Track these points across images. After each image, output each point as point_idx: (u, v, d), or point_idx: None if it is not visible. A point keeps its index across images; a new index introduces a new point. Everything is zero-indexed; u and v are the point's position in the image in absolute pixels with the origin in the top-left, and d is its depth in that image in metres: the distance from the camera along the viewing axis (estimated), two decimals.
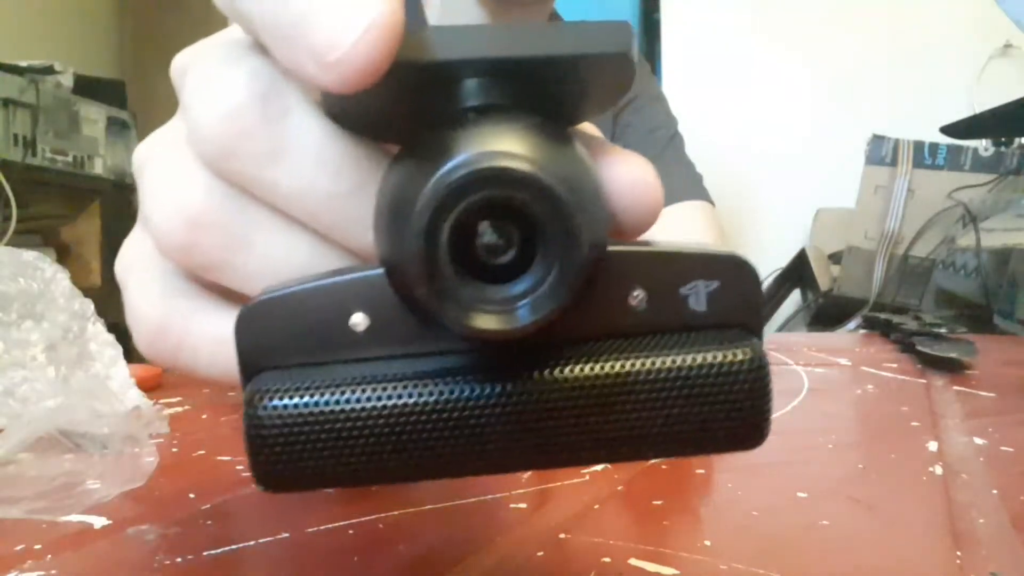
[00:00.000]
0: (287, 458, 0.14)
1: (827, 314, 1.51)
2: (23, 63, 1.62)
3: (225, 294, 0.18)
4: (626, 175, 0.16)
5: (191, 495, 0.30)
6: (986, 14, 1.44)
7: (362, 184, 0.16)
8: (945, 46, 1.75)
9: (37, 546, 0.25)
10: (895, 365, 0.61)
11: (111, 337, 0.42)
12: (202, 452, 0.37)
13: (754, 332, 0.15)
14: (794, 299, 1.67)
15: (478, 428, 0.14)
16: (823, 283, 1.56)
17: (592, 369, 0.14)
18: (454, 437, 0.14)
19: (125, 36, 2.39)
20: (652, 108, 0.90)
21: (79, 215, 1.74)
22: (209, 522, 0.28)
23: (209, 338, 0.17)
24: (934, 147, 1.50)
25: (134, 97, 1.94)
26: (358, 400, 0.14)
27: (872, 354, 0.68)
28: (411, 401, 0.14)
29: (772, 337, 0.97)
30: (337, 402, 0.14)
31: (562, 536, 0.26)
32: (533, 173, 0.13)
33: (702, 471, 0.33)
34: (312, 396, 0.14)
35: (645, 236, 0.17)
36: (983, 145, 1.47)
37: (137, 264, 0.18)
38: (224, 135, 0.15)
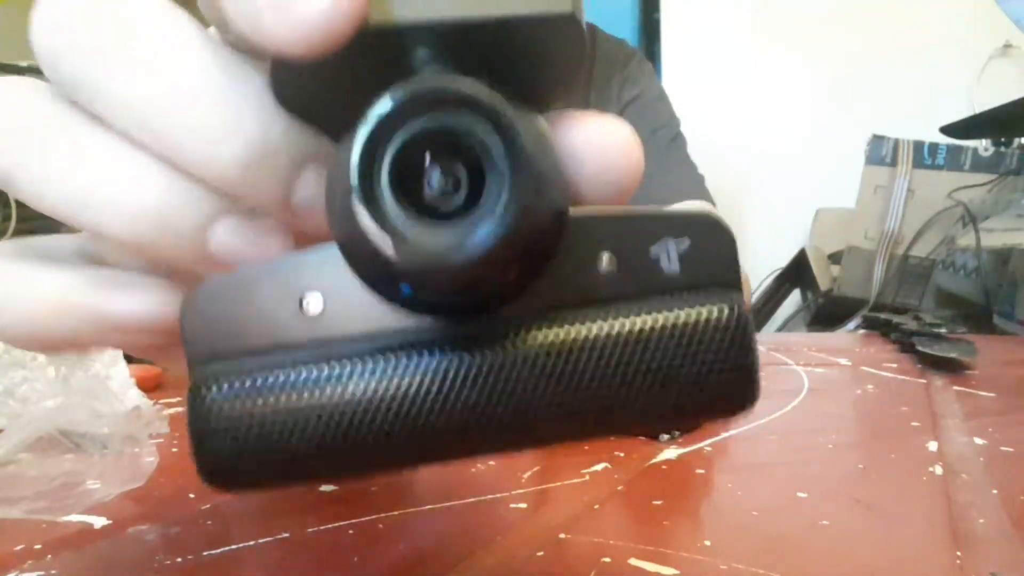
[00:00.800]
0: (236, 451, 0.13)
1: (827, 314, 1.51)
2: (23, 63, 1.62)
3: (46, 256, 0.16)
4: (603, 137, 0.15)
5: (191, 495, 0.30)
6: (986, 14, 1.44)
7: (268, 123, 0.14)
8: (945, 46, 1.75)
9: (37, 546, 0.25)
10: (895, 365, 0.61)
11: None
12: None
13: (732, 288, 0.14)
14: (794, 299, 1.67)
15: (445, 406, 0.13)
16: (823, 283, 1.56)
17: (565, 334, 0.14)
18: (420, 417, 0.13)
19: None
20: (655, 108, 0.90)
21: None
22: (209, 522, 0.28)
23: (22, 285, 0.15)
24: (934, 147, 1.50)
25: None
26: (314, 380, 0.13)
27: (872, 354, 0.68)
28: (372, 378, 0.13)
29: (772, 337, 0.97)
30: (290, 384, 0.13)
31: (562, 536, 0.26)
32: (474, 92, 0.12)
33: (702, 471, 0.34)
34: (261, 380, 0.13)
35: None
36: (983, 145, 1.47)
37: None
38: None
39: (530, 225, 0.12)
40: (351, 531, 0.26)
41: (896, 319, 0.78)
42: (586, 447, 0.36)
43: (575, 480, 0.32)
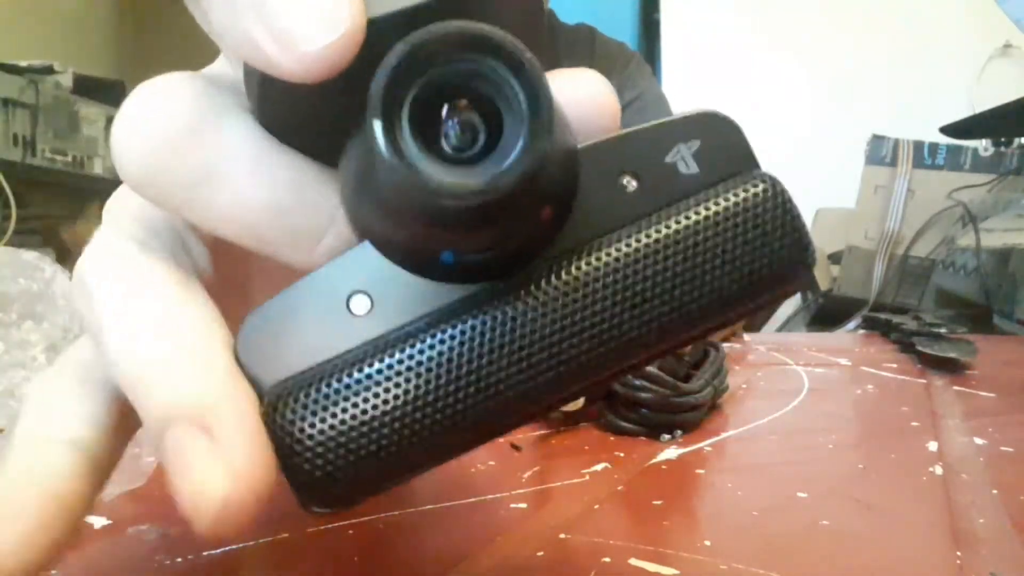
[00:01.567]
0: (326, 464, 0.13)
1: (827, 314, 1.51)
2: (23, 63, 1.62)
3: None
4: (578, 88, 0.16)
5: None
6: (986, 14, 1.44)
7: (300, 196, 0.15)
8: (945, 46, 1.75)
9: None
10: (895, 365, 0.61)
11: None
12: None
13: (754, 169, 0.15)
14: (794, 299, 1.67)
15: (514, 357, 0.13)
16: (823, 283, 1.56)
17: (610, 255, 0.14)
18: (492, 377, 0.13)
19: (125, 36, 2.39)
20: (654, 109, 0.91)
21: (79, 215, 1.74)
22: None
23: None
24: (934, 147, 1.50)
25: None
26: (379, 372, 0.13)
27: (872, 354, 0.68)
28: (435, 352, 0.13)
29: (772, 337, 0.97)
30: (358, 383, 0.13)
31: (562, 536, 0.26)
32: (492, 34, 0.12)
33: (702, 471, 0.34)
34: (330, 387, 0.13)
35: None
36: (983, 145, 1.47)
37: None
38: (147, 161, 0.14)
39: (550, 156, 0.12)
40: (351, 531, 0.26)
41: (896, 319, 0.78)
42: (586, 447, 0.36)
43: (575, 480, 0.32)
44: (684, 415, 0.38)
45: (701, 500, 0.31)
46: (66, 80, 1.73)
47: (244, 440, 0.13)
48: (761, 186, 0.14)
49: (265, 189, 0.15)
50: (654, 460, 0.34)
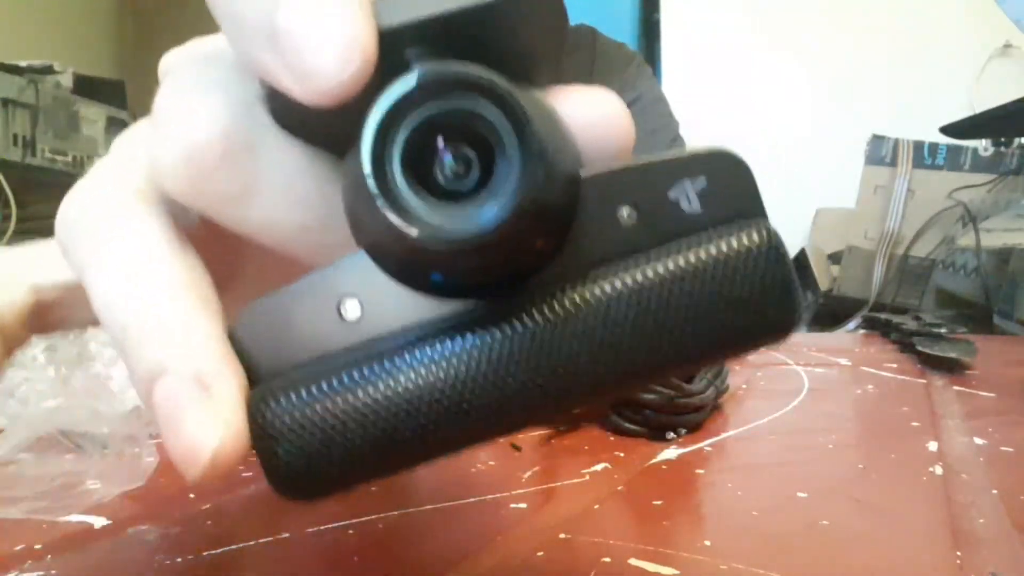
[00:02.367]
0: (302, 459, 0.14)
1: (827, 314, 1.51)
2: (22, 63, 1.62)
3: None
4: (592, 109, 0.15)
5: (191, 495, 0.30)
6: (986, 14, 1.44)
7: (330, 213, 0.15)
8: (945, 46, 1.75)
9: (37, 546, 0.25)
10: (895, 365, 0.61)
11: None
12: None
13: (757, 215, 0.15)
14: None
15: (495, 380, 0.13)
16: (823, 283, 1.56)
17: (599, 289, 0.14)
18: (472, 394, 0.13)
19: (125, 36, 2.39)
20: (654, 109, 0.91)
21: None
22: (209, 522, 0.28)
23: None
24: (934, 147, 1.50)
25: (134, 97, 1.94)
26: (364, 378, 0.14)
27: (872, 354, 0.68)
28: (419, 365, 0.13)
29: None
30: (342, 386, 0.14)
31: (562, 536, 0.26)
32: (476, 75, 0.12)
33: (702, 471, 0.34)
34: (315, 388, 0.14)
35: None
36: (983, 145, 1.47)
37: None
38: (184, 175, 0.15)
39: (542, 197, 0.12)
40: (351, 531, 0.26)
41: (896, 319, 0.78)
42: (586, 447, 0.36)
43: (575, 480, 0.32)
44: (688, 416, 0.38)
45: (701, 500, 0.31)
46: (66, 80, 1.73)
47: (238, 399, 0.14)
48: (757, 237, 0.14)
49: (294, 212, 0.15)
50: (654, 460, 0.34)
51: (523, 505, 0.29)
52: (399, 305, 0.14)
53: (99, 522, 0.27)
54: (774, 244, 0.14)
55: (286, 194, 0.15)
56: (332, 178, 0.15)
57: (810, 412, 0.45)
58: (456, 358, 0.13)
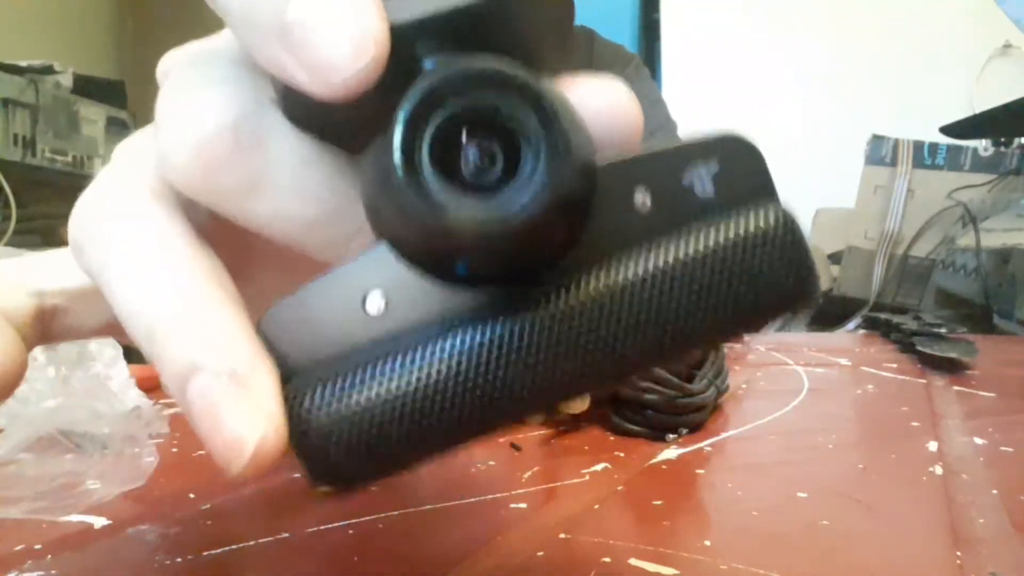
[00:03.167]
0: (338, 451, 0.14)
1: (827, 314, 1.51)
2: (23, 63, 1.62)
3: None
4: (600, 98, 0.16)
5: (191, 495, 0.30)
6: (986, 14, 1.44)
7: (339, 207, 0.15)
8: (945, 46, 1.75)
9: (37, 546, 0.25)
10: (895, 365, 0.61)
11: (111, 337, 0.42)
12: (202, 452, 0.37)
13: (770, 197, 0.15)
14: None
15: (522, 365, 0.14)
16: (823, 283, 1.56)
17: (618, 274, 0.14)
18: (498, 381, 0.14)
19: (125, 36, 2.39)
20: (652, 111, 0.91)
21: None
22: (209, 522, 0.28)
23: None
24: (934, 147, 1.50)
25: (134, 97, 1.94)
26: (391, 369, 0.14)
27: (872, 354, 0.68)
28: (444, 355, 0.14)
29: (772, 337, 0.97)
30: (372, 379, 0.14)
31: (562, 536, 0.26)
32: (505, 71, 0.12)
33: (702, 471, 0.34)
34: (345, 382, 0.14)
35: None
36: (983, 145, 1.47)
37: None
38: (194, 169, 0.15)
39: (568, 188, 0.13)
40: (351, 531, 0.26)
41: (896, 319, 0.78)
42: (586, 447, 0.36)
43: (575, 480, 0.32)
44: (688, 416, 0.38)
45: (701, 500, 0.31)
46: (66, 80, 1.73)
47: (275, 392, 0.14)
48: (772, 220, 0.14)
49: (304, 205, 0.15)
50: (654, 460, 0.34)
51: (523, 505, 0.29)
52: (423, 297, 0.14)
53: (99, 522, 0.27)
54: (789, 225, 0.14)
55: (296, 187, 0.15)
56: (342, 173, 0.15)
57: (810, 412, 0.45)
58: (483, 346, 0.14)
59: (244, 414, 0.14)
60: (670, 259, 0.14)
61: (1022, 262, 1.15)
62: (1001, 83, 1.64)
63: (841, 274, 1.55)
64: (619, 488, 0.31)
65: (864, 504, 0.29)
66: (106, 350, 0.42)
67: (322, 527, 0.26)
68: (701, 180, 0.15)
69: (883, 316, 0.85)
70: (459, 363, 0.14)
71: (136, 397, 0.41)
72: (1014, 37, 1.65)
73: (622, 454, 0.35)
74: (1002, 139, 1.48)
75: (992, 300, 1.23)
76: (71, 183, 1.79)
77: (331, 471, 0.14)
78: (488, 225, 0.12)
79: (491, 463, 0.34)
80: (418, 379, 0.14)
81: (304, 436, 0.14)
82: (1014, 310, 1.14)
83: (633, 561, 0.23)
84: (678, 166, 0.15)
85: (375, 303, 0.15)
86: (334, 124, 0.15)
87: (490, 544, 0.25)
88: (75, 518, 0.28)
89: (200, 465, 0.35)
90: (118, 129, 1.84)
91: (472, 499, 0.29)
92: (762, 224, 0.14)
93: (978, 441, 0.38)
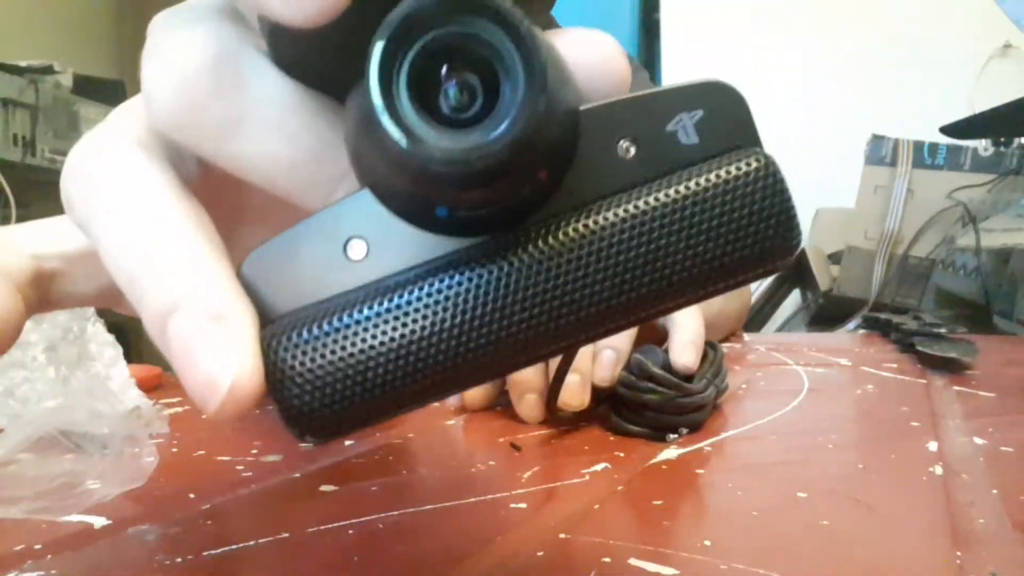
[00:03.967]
0: (315, 396, 0.14)
1: (827, 314, 1.51)
2: (23, 63, 1.62)
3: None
4: (587, 47, 0.16)
5: (191, 495, 0.30)
6: (986, 14, 1.44)
7: (321, 150, 0.15)
8: (945, 46, 1.75)
9: (37, 546, 0.25)
10: (895, 365, 0.61)
11: (111, 337, 0.42)
12: (202, 452, 0.37)
13: (753, 145, 0.15)
14: (794, 299, 1.67)
15: (500, 313, 0.14)
16: (823, 283, 1.56)
17: (601, 220, 0.14)
18: (480, 329, 0.14)
19: (125, 36, 2.39)
20: None
21: None
22: (209, 522, 0.28)
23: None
24: (934, 147, 1.50)
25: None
26: (374, 314, 0.14)
27: (872, 354, 0.68)
28: (427, 299, 0.14)
29: (772, 337, 0.97)
30: (353, 323, 0.14)
31: (562, 536, 0.26)
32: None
33: (702, 471, 0.34)
34: (325, 325, 0.14)
35: None
36: (983, 145, 1.47)
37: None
38: (176, 106, 0.15)
39: (546, 120, 0.13)
40: (351, 531, 0.26)
41: (896, 319, 0.78)
42: (586, 447, 0.36)
43: (575, 480, 0.32)
44: (688, 416, 0.38)
45: (701, 500, 0.31)
46: (66, 80, 1.73)
47: (252, 334, 0.14)
48: (755, 164, 0.14)
49: (286, 146, 0.15)
50: (654, 460, 0.34)
51: (523, 505, 0.29)
52: (404, 244, 0.14)
53: (99, 522, 0.27)
54: (771, 171, 0.14)
55: (277, 127, 0.15)
56: (325, 116, 0.15)
57: (810, 412, 0.45)
58: (463, 291, 0.14)
59: (220, 352, 0.14)
60: (653, 203, 0.14)
61: (1022, 262, 1.15)
62: (1001, 83, 1.64)
63: (841, 274, 1.55)
64: (619, 488, 0.31)
65: (864, 504, 0.29)
66: (106, 350, 0.42)
67: (322, 527, 0.26)
68: (685, 127, 0.15)
69: (883, 316, 0.85)
70: (440, 309, 0.14)
71: (136, 397, 0.41)
72: (1014, 37, 1.65)
73: (622, 454, 0.35)
74: (1002, 139, 1.48)
75: (992, 300, 1.23)
76: None
77: (306, 417, 0.14)
78: (467, 155, 0.12)
79: (491, 463, 0.34)
80: (398, 325, 0.14)
81: (280, 379, 0.14)
82: (1014, 310, 1.14)
83: (633, 561, 0.23)
84: (663, 113, 0.15)
85: (357, 250, 0.14)
86: (318, 69, 0.15)
87: (490, 544, 0.25)
88: (75, 518, 0.28)
89: (200, 465, 0.35)
90: None
91: (472, 499, 0.29)
92: (745, 170, 0.14)
93: (978, 441, 0.37)
